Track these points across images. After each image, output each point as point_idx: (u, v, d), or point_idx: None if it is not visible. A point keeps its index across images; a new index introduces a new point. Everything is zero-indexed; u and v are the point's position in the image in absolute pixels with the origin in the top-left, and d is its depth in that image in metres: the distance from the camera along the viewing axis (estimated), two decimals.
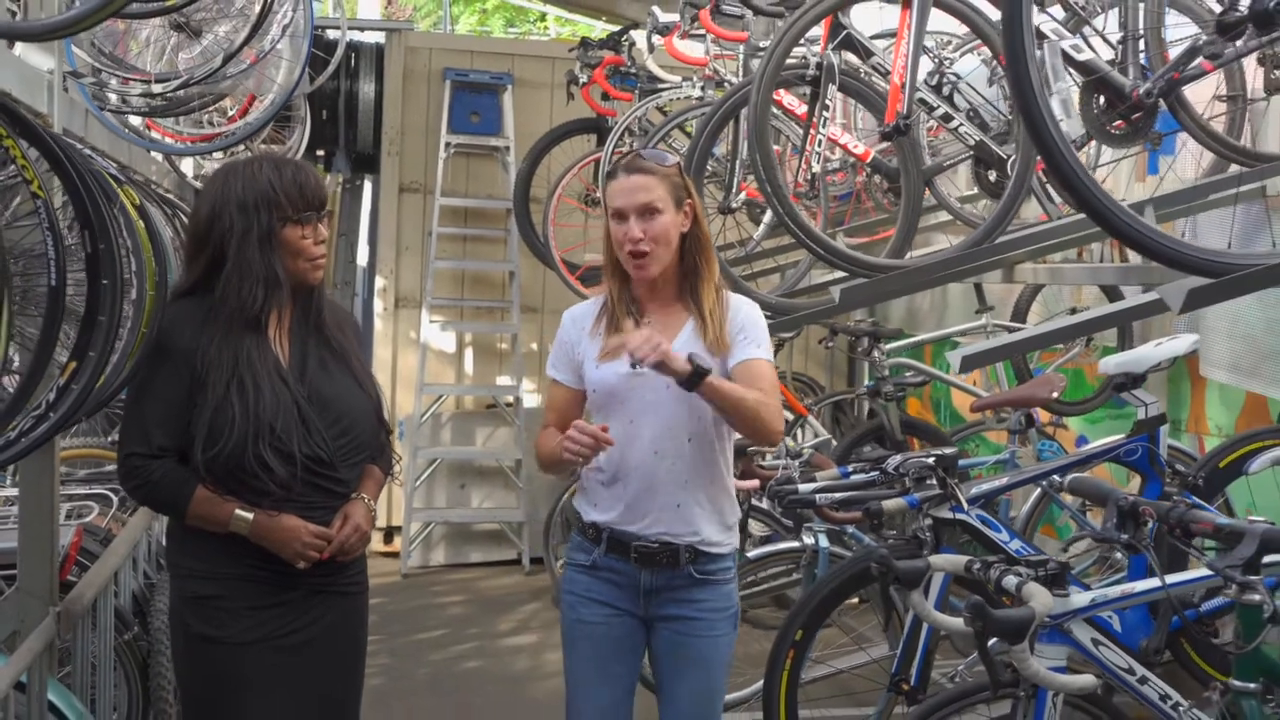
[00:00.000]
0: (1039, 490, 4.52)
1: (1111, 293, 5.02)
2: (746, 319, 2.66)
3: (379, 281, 7.40)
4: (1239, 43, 2.39)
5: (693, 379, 2.44)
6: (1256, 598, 2.15)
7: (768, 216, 4.83)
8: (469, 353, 7.53)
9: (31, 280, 2.44)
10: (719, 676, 2.68)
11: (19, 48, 3.16)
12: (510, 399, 7.25)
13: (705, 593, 2.63)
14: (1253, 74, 3.79)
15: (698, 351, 2.53)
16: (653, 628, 2.67)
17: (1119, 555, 4.17)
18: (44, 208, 2.08)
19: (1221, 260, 2.33)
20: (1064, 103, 2.18)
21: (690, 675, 2.65)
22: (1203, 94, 3.70)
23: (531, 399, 7.42)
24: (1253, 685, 2.31)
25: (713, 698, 2.68)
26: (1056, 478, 4.01)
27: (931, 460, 3.28)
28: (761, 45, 4.65)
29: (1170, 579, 2.42)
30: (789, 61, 3.66)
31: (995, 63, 4.42)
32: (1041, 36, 2.92)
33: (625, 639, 2.68)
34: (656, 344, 2.40)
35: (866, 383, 5.73)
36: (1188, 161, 4.42)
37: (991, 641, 2.19)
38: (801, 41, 3.66)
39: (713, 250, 2.68)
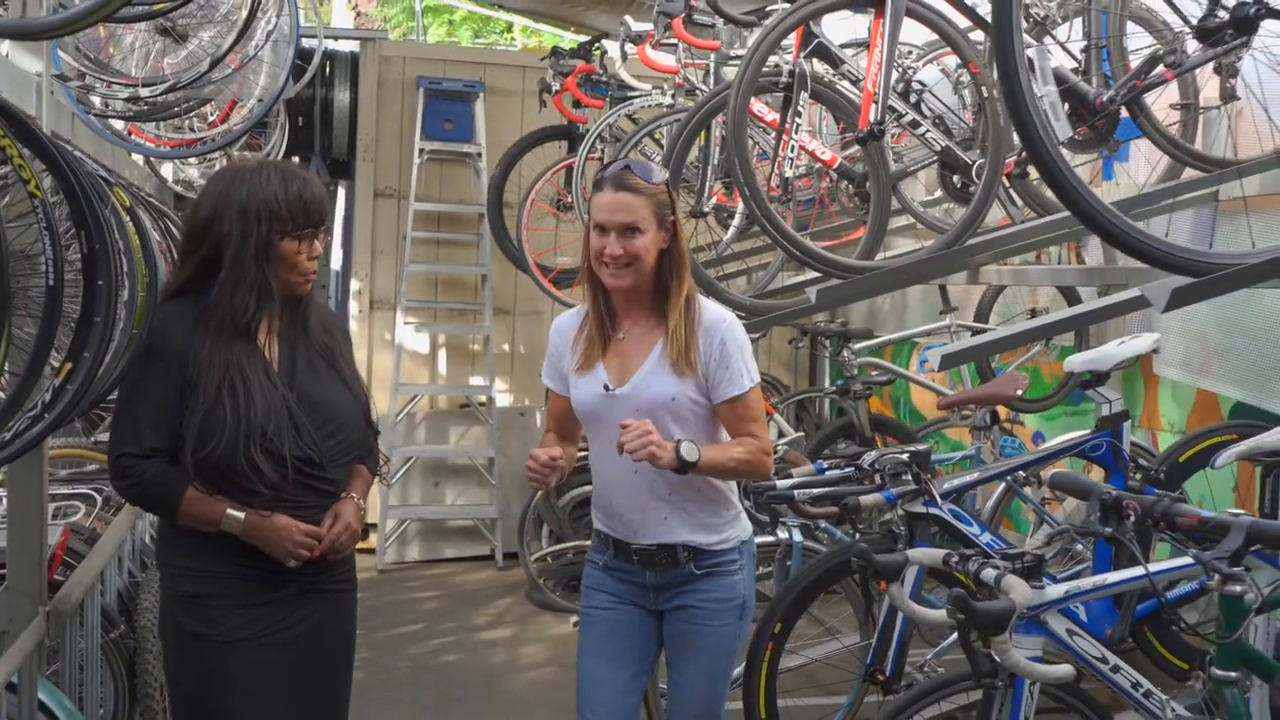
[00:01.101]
0: (1003, 485, 4.65)
1: (1070, 294, 5.17)
2: (722, 345, 2.65)
3: (354, 284, 7.47)
4: (1196, 52, 2.50)
5: (682, 469, 2.55)
6: (1239, 589, 2.22)
7: (736, 220, 4.93)
8: (442, 354, 7.61)
9: (21, 281, 2.46)
10: (722, 664, 2.77)
11: (8, 51, 3.18)
12: (483, 399, 7.34)
13: (709, 584, 2.71)
14: (1205, 83, 3.94)
15: (663, 374, 2.64)
16: (664, 618, 2.77)
17: (1080, 547, 4.29)
18: (41, 207, 2.09)
19: (1204, 260, 2.40)
20: (1053, 105, 2.26)
21: (693, 662, 2.73)
22: (1158, 101, 3.84)
23: (504, 399, 7.52)
24: (1234, 674, 2.37)
25: (714, 684, 2.76)
26: (1021, 473, 4.16)
27: (906, 456, 3.38)
28: (732, 54, 4.75)
29: (1151, 569, 2.50)
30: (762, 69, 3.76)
31: (959, 71, 4.55)
32: None
33: (631, 625, 2.76)
34: (648, 442, 2.49)
35: (836, 381, 5.85)
36: (1140, 167, 4.58)
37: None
38: (774, 50, 3.76)
39: (688, 268, 2.71)
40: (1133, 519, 2.38)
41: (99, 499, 4.07)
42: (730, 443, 2.70)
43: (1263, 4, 2.12)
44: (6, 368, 2.25)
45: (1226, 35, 2.16)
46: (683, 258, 2.70)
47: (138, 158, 4.93)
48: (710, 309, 2.73)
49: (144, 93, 3.46)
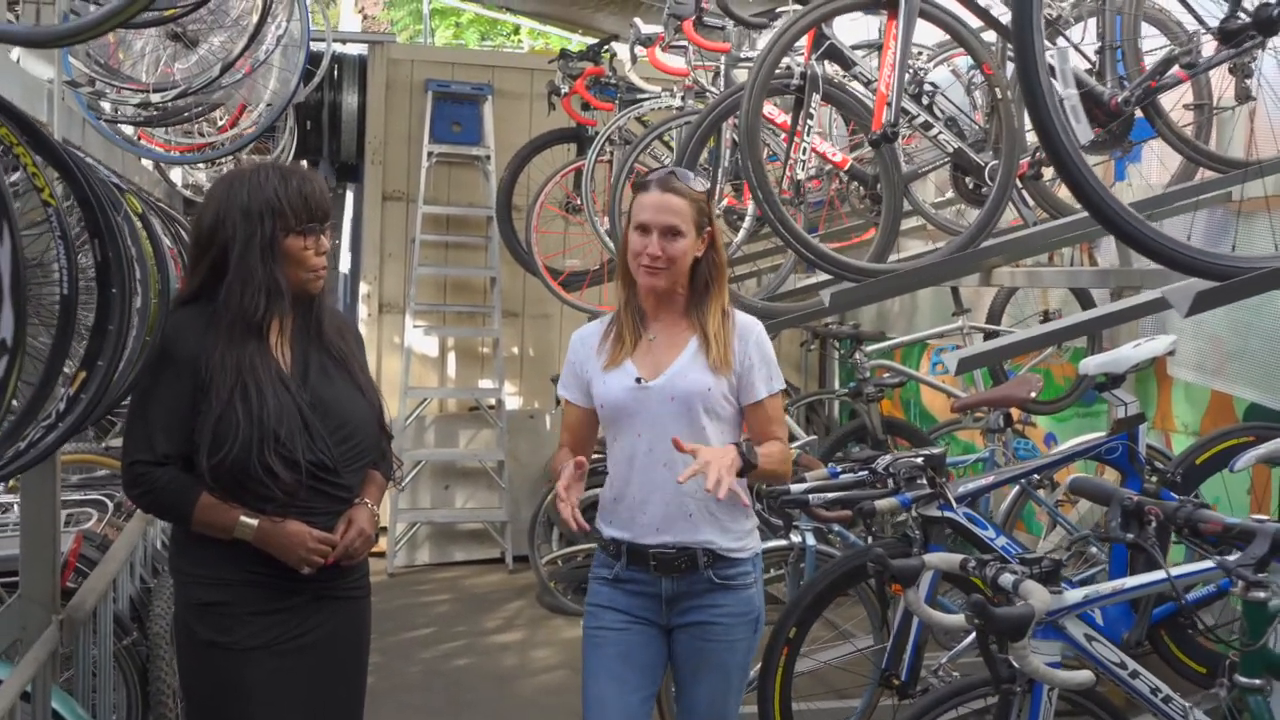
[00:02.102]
0: (1016, 487, 4.63)
1: (1082, 295, 5.15)
2: (757, 347, 2.70)
3: (364, 287, 7.48)
4: (1210, 53, 2.47)
5: (746, 469, 2.53)
6: (1262, 595, 2.21)
7: (747, 222, 4.91)
8: (451, 357, 7.62)
9: (34, 290, 2.44)
10: (736, 680, 2.73)
11: (19, 57, 3.17)
12: (492, 402, 7.34)
13: (725, 598, 2.67)
14: (1219, 83, 3.92)
15: (698, 369, 2.64)
16: (673, 634, 2.71)
17: (1094, 550, 4.27)
18: (56, 216, 2.08)
19: (1226, 264, 2.37)
20: (1074, 108, 2.24)
21: (708, 679, 2.69)
22: (1172, 102, 3.82)
23: (513, 401, 7.53)
24: (1258, 681, 2.35)
25: (731, 699, 2.72)
26: (1035, 476, 4.14)
27: (921, 460, 3.37)
28: (742, 56, 4.74)
29: (1172, 573, 2.47)
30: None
31: (971, 72, 4.53)
32: None
33: (644, 645, 2.70)
34: (717, 469, 2.45)
35: (848, 384, 5.84)
36: (1152, 167, 4.56)
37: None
38: (787, 52, 3.74)
39: (725, 276, 2.73)
40: (1154, 524, 2.36)
41: (110, 505, 4.07)
42: (767, 445, 2.67)
43: None
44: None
45: (1248, 36, 2.14)
46: (721, 265, 2.71)
47: (147, 163, 4.92)
48: (741, 315, 2.76)
49: (155, 98, 3.46)
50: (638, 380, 2.67)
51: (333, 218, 2.63)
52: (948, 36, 4.07)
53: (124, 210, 2.51)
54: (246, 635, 2.46)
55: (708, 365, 2.65)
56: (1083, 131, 2.20)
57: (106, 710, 3.33)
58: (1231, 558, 2.28)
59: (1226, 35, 2.18)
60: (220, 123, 4.36)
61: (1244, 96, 3.64)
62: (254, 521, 2.43)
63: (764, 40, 4.66)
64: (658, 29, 5.12)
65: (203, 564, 2.50)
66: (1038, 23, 2.00)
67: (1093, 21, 3.71)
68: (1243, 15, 2.14)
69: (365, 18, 15.12)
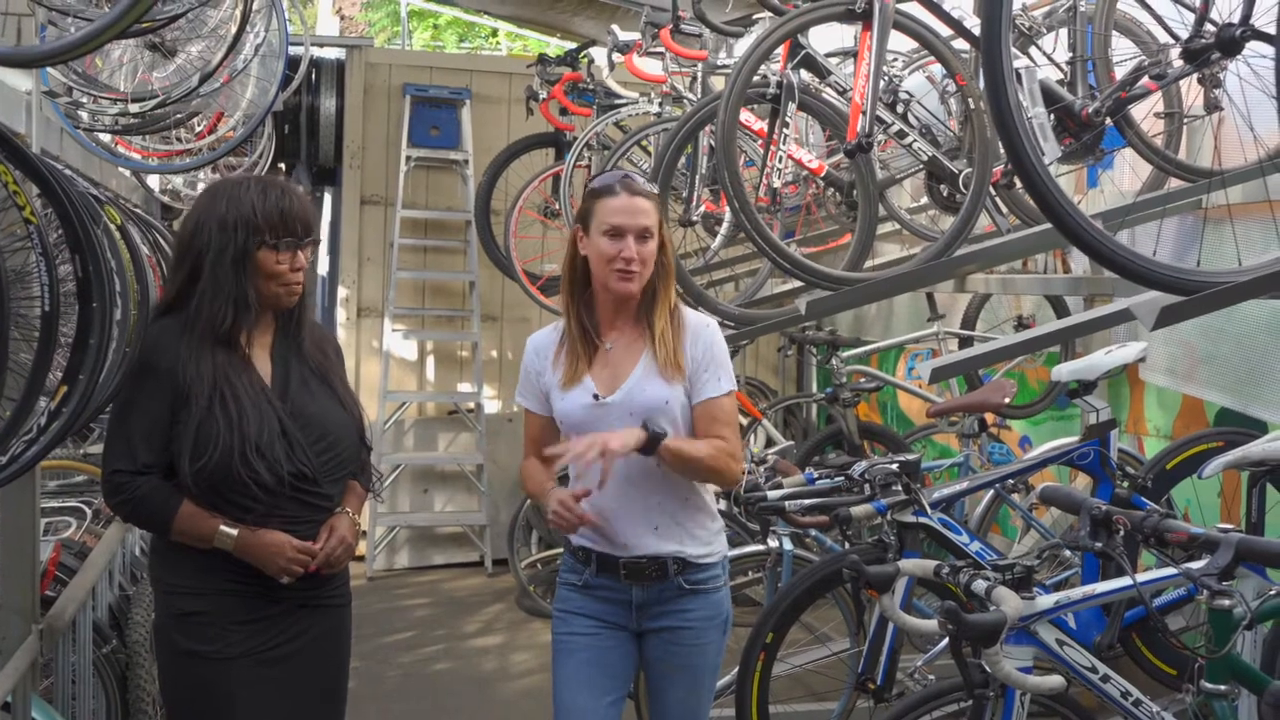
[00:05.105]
0: (991, 492, 4.68)
1: (1056, 300, 5.21)
2: (708, 348, 2.68)
3: (342, 291, 7.48)
4: (1179, 65, 2.52)
5: (650, 445, 2.53)
6: (1228, 603, 2.25)
7: (724, 228, 4.95)
8: (430, 360, 7.63)
9: (13, 305, 2.44)
10: (707, 683, 2.75)
11: None
12: (471, 405, 7.36)
13: (695, 602, 2.68)
14: (1189, 93, 3.97)
15: (653, 380, 2.63)
16: (644, 639, 2.72)
17: (1067, 554, 4.32)
18: (37, 233, 2.08)
19: (1189, 278, 2.39)
20: (1041, 126, 2.27)
21: (679, 683, 2.70)
22: (1143, 111, 3.87)
23: (492, 405, 7.53)
24: (1223, 688, 2.37)
25: (700, 703, 2.74)
26: (1009, 480, 4.19)
27: (896, 466, 3.41)
28: (719, 63, 4.77)
29: (1139, 579, 2.51)
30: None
31: (945, 80, 4.57)
32: None
33: (614, 650, 2.70)
34: (594, 443, 2.47)
35: (826, 388, 5.88)
36: (1124, 173, 4.61)
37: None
38: (763, 62, 3.77)
39: (673, 276, 2.72)
40: (1122, 534, 2.40)
41: (89, 512, 4.06)
42: (698, 439, 2.67)
43: (1249, 26, 2.14)
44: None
45: (1212, 56, 2.18)
46: (669, 266, 2.70)
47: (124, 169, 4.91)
48: (691, 314, 2.75)
49: (133, 108, 3.45)
50: (595, 397, 2.65)
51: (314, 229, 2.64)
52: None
53: (103, 223, 2.52)
54: (227, 644, 2.47)
55: (660, 373, 2.64)
56: (1050, 149, 2.23)
57: (86, 718, 3.33)
58: (1197, 564, 2.32)
59: (1190, 55, 2.23)
60: (198, 129, 4.35)
61: (1212, 107, 3.69)
62: (234, 531, 2.44)
63: (740, 47, 4.70)
64: (635, 36, 5.15)
65: (182, 574, 2.51)
66: (1006, 42, 2.03)
67: (1064, 32, 3.76)
68: (1206, 36, 2.18)
69: (343, 19, 15.12)
